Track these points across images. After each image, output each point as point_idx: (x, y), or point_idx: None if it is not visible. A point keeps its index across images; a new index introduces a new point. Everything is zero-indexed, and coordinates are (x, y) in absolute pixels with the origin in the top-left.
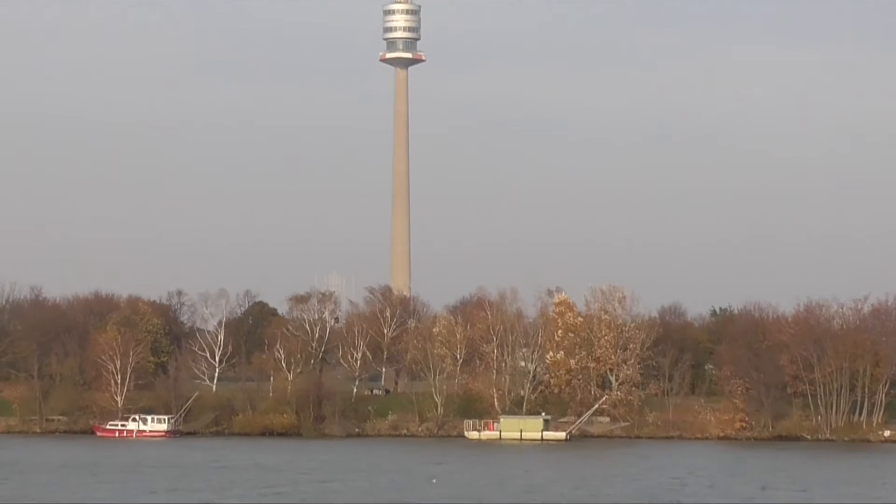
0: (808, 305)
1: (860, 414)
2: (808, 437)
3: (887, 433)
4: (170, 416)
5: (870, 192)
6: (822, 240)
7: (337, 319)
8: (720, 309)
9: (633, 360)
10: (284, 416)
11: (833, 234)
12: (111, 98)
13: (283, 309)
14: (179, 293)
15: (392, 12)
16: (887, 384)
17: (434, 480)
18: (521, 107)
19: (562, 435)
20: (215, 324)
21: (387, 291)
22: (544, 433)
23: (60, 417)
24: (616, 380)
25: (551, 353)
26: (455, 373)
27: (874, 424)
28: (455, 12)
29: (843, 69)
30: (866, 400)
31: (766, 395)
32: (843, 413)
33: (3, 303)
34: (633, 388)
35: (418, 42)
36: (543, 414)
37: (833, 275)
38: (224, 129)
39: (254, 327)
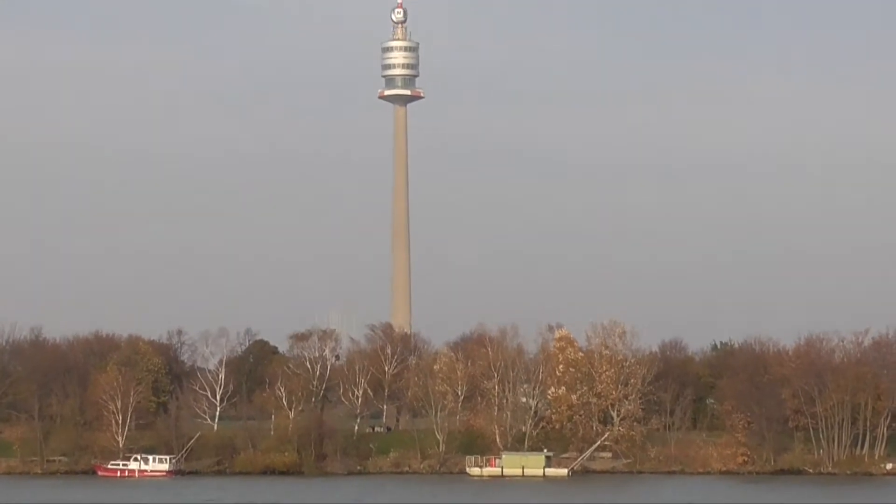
0: (809, 339)
1: (862, 447)
2: (811, 470)
3: (889, 466)
4: (171, 455)
5: (870, 225)
6: (822, 273)
7: (338, 357)
8: (721, 343)
9: (634, 396)
10: (286, 454)
11: (833, 267)
12: (109, 134)
13: (283, 347)
14: (180, 332)
15: (390, 49)
16: (889, 417)
17: None
18: (521, 142)
19: (564, 471)
20: (216, 363)
21: (387, 328)
22: (546, 469)
23: (61, 458)
24: (618, 415)
25: (552, 389)
26: (456, 409)
27: (876, 458)
28: (453, 49)
29: (837, 101)
30: (868, 433)
31: (768, 428)
32: (846, 446)
33: (4, 344)
34: (635, 424)
35: (417, 79)
36: (545, 450)
37: (834, 308)
38: (223, 166)
39: (254, 366)
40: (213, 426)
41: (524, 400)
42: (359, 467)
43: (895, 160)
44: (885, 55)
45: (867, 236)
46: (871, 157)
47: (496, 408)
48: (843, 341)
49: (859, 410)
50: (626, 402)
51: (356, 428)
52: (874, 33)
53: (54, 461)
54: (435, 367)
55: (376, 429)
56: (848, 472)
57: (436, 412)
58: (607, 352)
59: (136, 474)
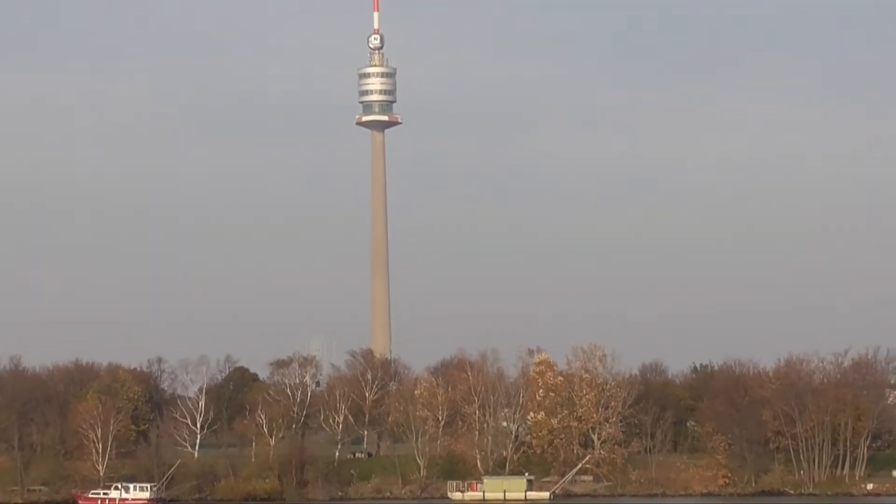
0: (789, 360)
1: (843, 468)
2: (792, 491)
3: (870, 486)
4: (152, 483)
5: (850, 245)
6: (802, 294)
7: (318, 383)
8: (701, 365)
9: (614, 419)
10: (267, 481)
11: (812, 289)
12: (86, 164)
13: (264, 374)
14: (160, 360)
15: (368, 75)
16: (869, 438)
17: None
18: (498, 167)
19: (545, 495)
20: (196, 390)
21: (368, 354)
22: (528, 493)
23: (42, 487)
24: (598, 438)
25: (533, 413)
26: (437, 434)
27: (857, 478)
28: (431, 75)
29: (821, 119)
30: (848, 454)
31: (749, 450)
32: (826, 467)
33: None
34: (616, 447)
35: (394, 105)
36: (527, 474)
37: (813, 329)
38: (201, 194)
39: (235, 393)
40: (193, 454)
41: (505, 424)
42: (340, 494)
43: (874, 180)
44: (852, 75)
45: (847, 257)
46: (850, 176)
47: (477, 432)
48: (822, 362)
49: (840, 431)
50: (607, 426)
51: (337, 454)
52: (844, 55)
53: (35, 490)
54: (415, 392)
55: (357, 455)
56: (829, 493)
57: (417, 437)
58: (587, 375)
59: (117, 503)
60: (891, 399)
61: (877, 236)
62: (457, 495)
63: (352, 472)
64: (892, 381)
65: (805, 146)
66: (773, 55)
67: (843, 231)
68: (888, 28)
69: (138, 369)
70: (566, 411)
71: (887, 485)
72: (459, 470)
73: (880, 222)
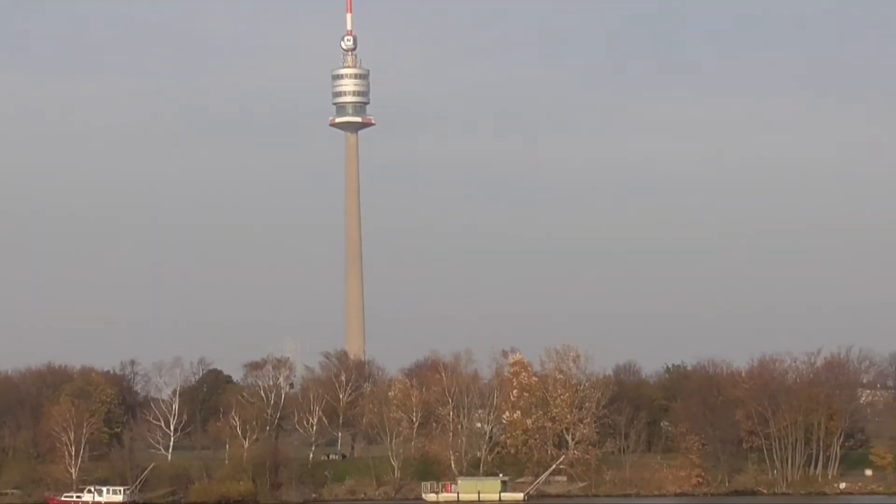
0: (762, 360)
1: (816, 467)
2: (765, 491)
3: (843, 486)
4: (125, 486)
5: (821, 245)
6: (774, 294)
7: (292, 385)
8: (674, 366)
9: (589, 419)
10: (241, 483)
11: (785, 289)
12: (58, 166)
13: (237, 376)
14: (133, 363)
15: (341, 77)
16: (842, 437)
17: None
18: (471, 168)
19: (520, 496)
20: (170, 393)
21: (342, 356)
22: (502, 494)
23: (14, 491)
24: (572, 439)
25: (507, 414)
26: (411, 436)
27: (830, 477)
28: (404, 75)
29: (801, 120)
30: (821, 453)
31: (722, 450)
32: (799, 467)
33: None
34: (590, 447)
35: (368, 106)
36: (501, 475)
37: (786, 329)
38: (174, 196)
39: (208, 395)
40: (167, 456)
41: (479, 425)
42: (314, 495)
43: (847, 181)
44: (837, 75)
45: (819, 257)
46: (824, 177)
47: (451, 433)
48: (795, 362)
49: (813, 431)
50: (581, 426)
51: (311, 456)
52: (821, 56)
53: (7, 494)
54: (389, 393)
55: (331, 456)
56: (802, 492)
57: (391, 439)
58: (561, 376)
59: None
60: (863, 398)
61: (850, 237)
62: (431, 496)
63: (326, 473)
64: (864, 381)
65: (781, 147)
66: (758, 55)
67: (815, 232)
68: (873, 29)
69: (111, 372)
70: (540, 412)
71: (860, 484)
72: (434, 471)
73: (853, 223)
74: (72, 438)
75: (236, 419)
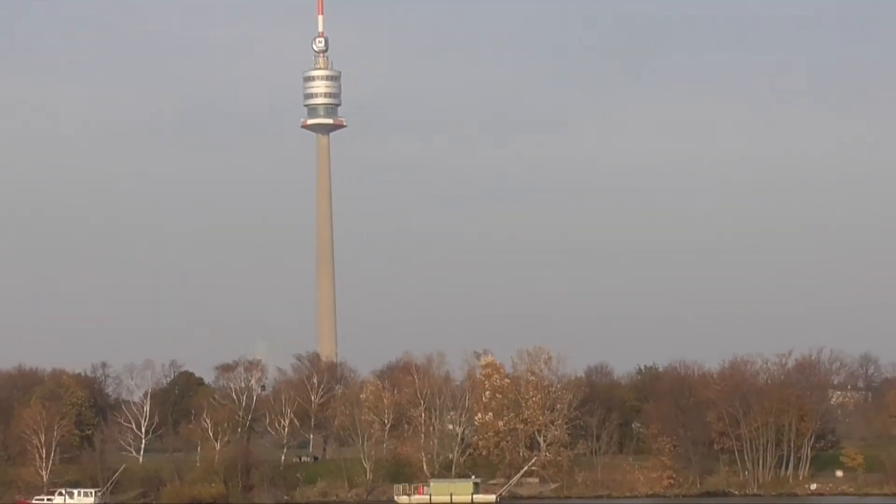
0: (734, 361)
1: (787, 468)
2: (736, 492)
3: (814, 486)
4: (97, 489)
5: (793, 246)
6: (745, 296)
7: (264, 387)
8: (646, 367)
9: (560, 421)
10: (213, 485)
11: (757, 290)
12: (32, 168)
13: (209, 378)
14: (104, 365)
15: (312, 79)
16: (812, 438)
17: None
18: (443, 170)
19: (492, 498)
20: (141, 395)
21: (314, 358)
22: (475, 496)
23: None
24: (544, 441)
25: (479, 416)
26: (383, 438)
27: (801, 478)
28: (375, 77)
29: (758, 123)
30: (792, 454)
31: (694, 451)
32: (770, 468)
33: None
34: (562, 449)
35: (339, 108)
36: (473, 477)
37: (757, 330)
38: (145, 197)
39: (180, 397)
40: (138, 459)
41: (451, 427)
42: (286, 497)
43: (817, 182)
44: (817, 76)
45: (790, 259)
46: (792, 179)
47: (423, 435)
48: (766, 363)
49: (784, 432)
50: (553, 428)
51: (283, 458)
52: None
53: None
54: (361, 395)
55: (303, 458)
56: (773, 493)
57: (363, 441)
58: (533, 378)
59: None
60: (834, 400)
61: (820, 238)
62: (403, 499)
63: (298, 475)
64: (835, 382)
65: (749, 149)
66: (732, 56)
67: (785, 233)
68: (856, 30)
69: (82, 374)
70: (512, 413)
71: (831, 484)
72: (405, 473)
73: (823, 224)
74: (42, 441)
75: (208, 421)
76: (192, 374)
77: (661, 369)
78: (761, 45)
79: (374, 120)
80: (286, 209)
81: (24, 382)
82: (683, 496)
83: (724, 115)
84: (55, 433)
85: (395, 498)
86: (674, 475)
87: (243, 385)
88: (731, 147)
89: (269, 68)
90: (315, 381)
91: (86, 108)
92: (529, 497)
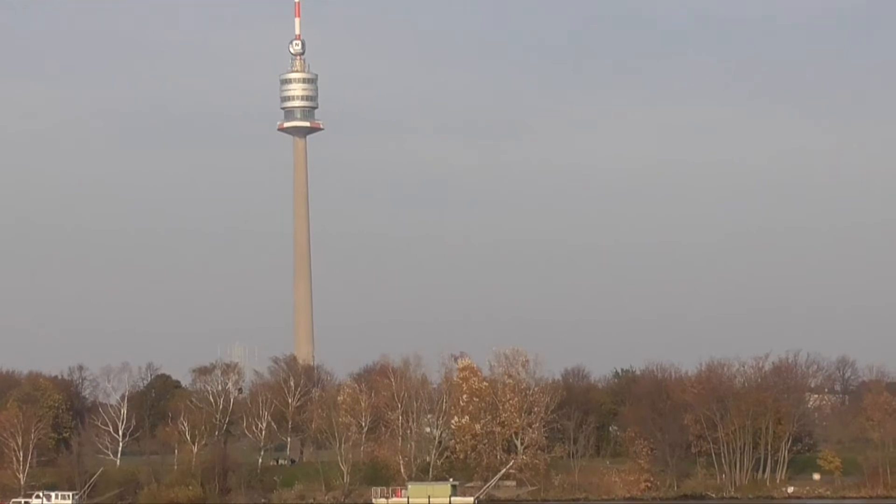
0: (710, 364)
1: (764, 471)
2: (713, 495)
3: (791, 489)
4: (74, 491)
5: (769, 250)
6: (722, 299)
7: (241, 390)
8: (622, 370)
9: (538, 424)
10: (190, 488)
11: (733, 293)
12: (9, 171)
13: (186, 381)
14: (81, 368)
15: (289, 81)
16: (790, 441)
17: None
18: (420, 172)
19: (470, 500)
20: (118, 398)
21: (291, 361)
22: (452, 499)
23: None
24: (521, 443)
25: (456, 418)
26: (360, 441)
27: (778, 481)
28: (352, 80)
29: (743, 124)
30: (769, 457)
31: (671, 454)
32: (747, 471)
33: None
34: (539, 452)
35: (316, 111)
36: (451, 480)
37: (734, 334)
38: (121, 200)
39: (157, 400)
40: (115, 461)
41: (428, 430)
42: (263, 500)
43: (792, 185)
44: (785, 81)
45: (767, 261)
46: (769, 181)
47: (400, 438)
48: (743, 366)
49: (760, 435)
50: (530, 431)
51: (260, 461)
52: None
53: None
54: (338, 398)
55: (280, 461)
56: (750, 496)
57: (340, 444)
58: (510, 380)
59: None
60: (811, 403)
61: (796, 241)
62: (381, 501)
63: (275, 478)
64: (812, 385)
65: (724, 152)
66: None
67: (762, 236)
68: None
69: (59, 377)
70: (489, 416)
71: (808, 487)
72: (383, 476)
73: (799, 227)
74: (20, 444)
75: (185, 424)
76: (168, 377)
77: (637, 372)
78: (750, 48)
79: (351, 123)
80: (263, 212)
81: (1, 385)
82: (661, 499)
83: (700, 119)
84: (32, 436)
85: (373, 500)
86: (651, 478)
87: (220, 388)
88: (715, 149)
89: (246, 71)
90: (292, 383)
91: (61, 109)
92: (507, 500)
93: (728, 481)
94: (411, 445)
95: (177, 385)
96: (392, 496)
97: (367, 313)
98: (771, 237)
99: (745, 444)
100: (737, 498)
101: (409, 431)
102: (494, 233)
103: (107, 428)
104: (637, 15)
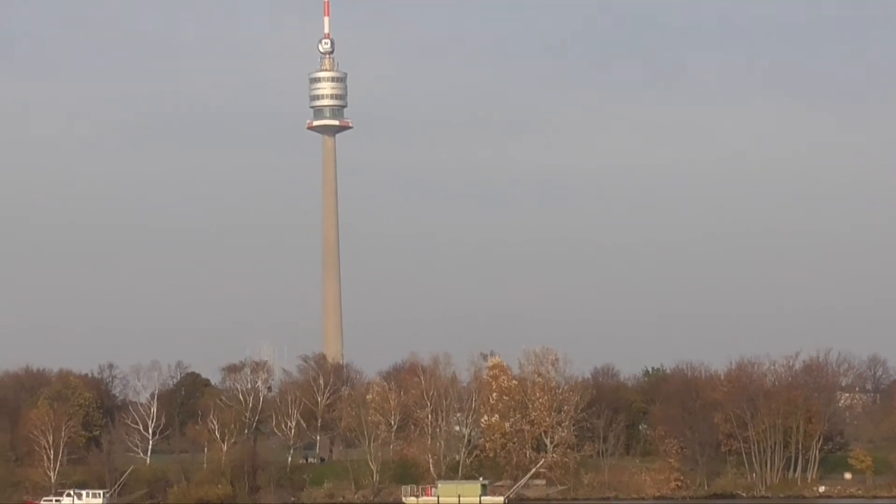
0: (741, 363)
1: (795, 470)
2: (744, 494)
3: (822, 489)
4: (104, 490)
5: (799, 248)
6: (753, 297)
7: (270, 388)
8: (652, 369)
9: (567, 422)
10: (219, 486)
11: (764, 291)
12: (35, 170)
13: (215, 379)
14: (111, 366)
15: (318, 80)
16: (820, 440)
17: None
18: (449, 171)
19: (500, 499)
20: (148, 396)
21: (320, 359)
22: (483, 498)
23: None
24: (551, 442)
25: (486, 417)
26: (390, 439)
27: (809, 480)
28: (381, 79)
29: (763, 122)
30: (800, 456)
31: (701, 453)
32: (778, 470)
33: None
34: (569, 450)
35: (345, 109)
36: (481, 478)
37: (765, 332)
38: (151, 199)
39: (186, 398)
40: (145, 460)
41: (457, 428)
42: (293, 499)
43: (818, 183)
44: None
45: (798, 259)
46: (793, 179)
47: (429, 437)
48: (774, 365)
49: (791, 434)
50: (560, 429)
51: (289, 459)
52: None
53: None
54: (368, 396)
55: (310, 460)
56: (781, 495)
57: (369, 442)
58: (540, 379)
59: None
60: (842, 401)
61: (825, 239)
62: (411, 500)
63: (304, 477)
64: (843, 384)
65: (750, 148)
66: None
67: (791, 234)
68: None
69: (89, 375)
70: (519, 415)
71: (839, 487)
72: (412, 474)
73: (827, 225)
74: (50, 442)
75: (214, 422)
76: (198, 376)
77: (667, 371)
78: (752, 48)
79: (380, 121)
80: (292, 210)
81: (32, 383)
82: (691, 498)
83: (729, 117)
84: (63, 434)
85: (403, 499)
86: (681, 477)
87: (250, 386)
88: (740, 147)
89: (275, 70)
90: (321, 382)
91: (95, 109)
92: (536, 499)
93: (759, 480)
94: (440, 444)
95: (206, 383)
96: (422, 495)
97: (396, 311)
98: (802, 236)
99: (775, 443)
100: (767, 497)
101: (438, 430)
102: (525, 232)
103: (136, 426)
104: (643, 14)
